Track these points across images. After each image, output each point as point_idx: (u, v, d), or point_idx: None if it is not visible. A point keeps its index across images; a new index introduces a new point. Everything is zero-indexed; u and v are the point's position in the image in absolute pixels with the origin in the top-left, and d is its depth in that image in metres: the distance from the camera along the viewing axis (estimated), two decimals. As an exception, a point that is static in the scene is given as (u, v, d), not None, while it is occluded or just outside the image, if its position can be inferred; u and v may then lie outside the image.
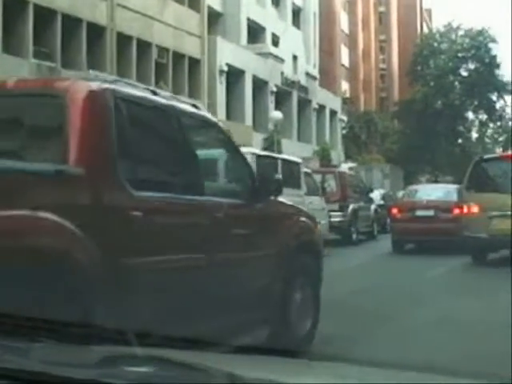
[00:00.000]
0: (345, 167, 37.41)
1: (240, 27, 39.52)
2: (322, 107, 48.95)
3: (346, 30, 63.94)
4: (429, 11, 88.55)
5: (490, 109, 62.43)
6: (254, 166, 10.97)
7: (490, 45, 60.86)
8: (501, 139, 70.12)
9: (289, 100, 43.59)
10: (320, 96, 48.42)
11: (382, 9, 75.23)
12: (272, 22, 43.54)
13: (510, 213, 13.07)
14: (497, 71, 61.09)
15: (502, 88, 61.35)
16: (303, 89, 45.12)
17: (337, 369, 2.36)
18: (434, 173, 57.17)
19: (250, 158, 10.35)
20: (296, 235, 6.55)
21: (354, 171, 33.18)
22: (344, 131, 55.41)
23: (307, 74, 46.33)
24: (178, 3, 32.24)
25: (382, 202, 26.09)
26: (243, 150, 7.38)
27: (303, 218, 6.89)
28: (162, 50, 30.80)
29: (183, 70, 32.28)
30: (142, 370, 1.96)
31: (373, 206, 23.82)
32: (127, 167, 4.54)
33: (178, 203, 5.02)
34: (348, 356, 5.35)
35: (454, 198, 18.05)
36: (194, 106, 5.89)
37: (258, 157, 14.63)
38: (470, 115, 64.71)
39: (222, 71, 35.05)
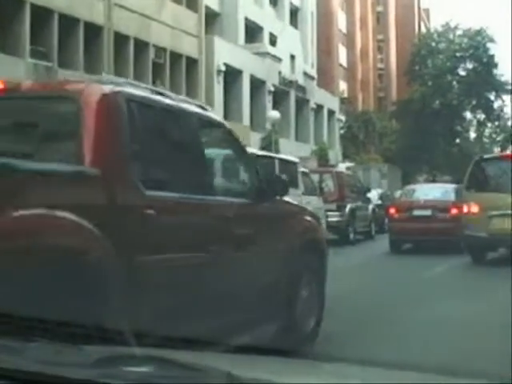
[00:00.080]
0: (343, 167, 37.40)
1: (237, 27, 39.51)
2: (319, 107, 48.93)
3: (344, 30, 63.89)
4: (427, 11, 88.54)
5: (487, 108, 62.42)
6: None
7: (488, 44, 60.84)
8: (499, 139, 70.17)
9: (286, 100, 43.56)
10: (318, 96, 48.39)
11: (379, 8, 75.15)
12: (270, 21, 43.53)
13: (509, 212, 13.15)
14: (495, 71, 61.10)
15: (499, 88, 61.37)
16: (301, 88, 45.09)
17: (337, 369, 2.37)
18: (432, 172, 57.14)
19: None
20: (302, 234, 6.73)
21: (352, 171, 33.17)
22: (342, 131, 55.40)
23: (305, 73, 46.32)
24: (176, 3, 32.22)
25: (379, 202, 26.05)
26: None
27: (308, 217, 7.06)
28: (160, 50, 30.77)
29: (180, 69, 32.25)
30: (140, 370, 1.96)
31: (370, 206, 23.79)
32: (139, 167, 4.67)
33: (188, 202, 5.14)
34: (348, 356, 5.36)
35: (452, 197, 18.07)
36: (202, 107, 6.01)
37: (255, 156, 14.58)
38: (468, 115, 64.78)
39: (219, 71, 35.02)
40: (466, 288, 11.14)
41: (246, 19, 40.44)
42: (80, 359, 2.03)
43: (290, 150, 30.59)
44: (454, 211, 17.17)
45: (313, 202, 17.18)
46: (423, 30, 78.90)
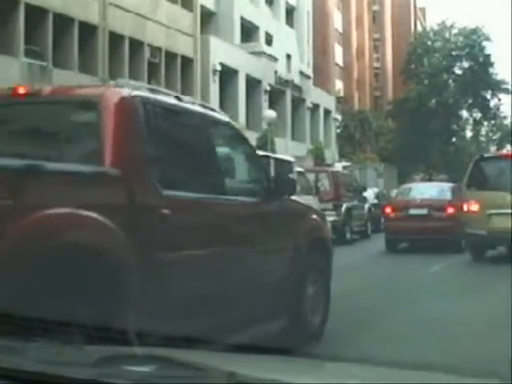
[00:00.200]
0: (339, 166, 37.38)
1: (233, 26, 39.46)
2: (315, 106, 48.93)
3: (340, 29, 63.93)
4: (423, 10, 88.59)
5: (484, 107, 62.50)
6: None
7: (484, 43, 60.98)
8: (495, 137, 70.28)
9: (282, 99, 43.54)
10: (314, 95, 48.39)
11: (375, 7, 75.20)
12: (265, 20, 43.49)
13: (509, 211, 13.25)
14: (491, 69, 61.21)
15: (495, 86, 61.45)
16: (297, 88, 45.07)
17: (337, 368, 2.39)
18: (428, 171, 57.18)
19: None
20: (309, 231, 6.93)
21: (348, 170, 33.12)
22: (338, 130, 55.42)
23: (301, 72, 46.30)
24: (171, 2, 32.16)
25: (375, 201, 25.98)
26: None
27: (315, 216, 7.30)
28: (155, 49, 30.70)
29: (176, 69, 32.19)
30: (142, 369, 1.96)
31: (367, 205, 23.74)
32: (157, 168, 4.85)
33: (202, 201, 5.33)
34: (348, 356, 5.37)
35: (448, 196, 18.07)
36: (213, 110, 6.25)
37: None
38: (464, 114, 64.86)
39: (215, 70, 34.98)
40: (464, 286, 11.11)
41: (242, 18, 40.39)
42: (81, 359, 2.04)
43: (286, 150, 30.55)
44: (450, 210, 17.18)
45: (308, 202, 17.10)
46: (419, 28, 78.92)
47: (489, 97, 62.49)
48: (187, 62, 33.02)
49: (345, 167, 36.56)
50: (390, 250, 17.73)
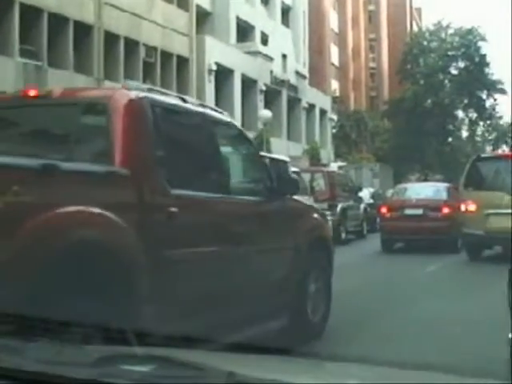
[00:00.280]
0: (334, 166, 37.39)
1: (229, 26, 39.41)
2: (311, 106, 48.91)
3: (336, 29, 63.93)
4: (419, 10, 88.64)
5: (479, 107, 62.57)
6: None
7: (480, 43, 61.00)
8: (491, 138, 70.32)
9: (278, 99, 43.50)
10: (310, 95, 48.37)
11: (371, 7, 75.21)
12: (261, 20, 43.45)
13: (506, 211, 13.29)
14: (486, 69, 61.25)
15: (491, 86, 61.51)
16: (293, 88, 45.04)
17: (336, 368, 2.40)
18: (424, 171, 57.22)
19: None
20: (311, 230, 7.16)
21: (344, 170, 33.11)
22: (334, 130, 55.40)
23: (297, 72, 46.27)
24: (166, 2, 32.11)
25: (371, 201, 25.98)
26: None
27: (317, 215, 7.54)
28: (150, 49, 30.65)
29: (171, 69, 32.14)
30: (142, 369, 1.96)
31: (362, 205, 23.72)
32: (164, 167, 4.98)
33: (209, 200, 5.52)
34: (347, 355, 5.39)
35: (444, 196, 18.08)
36: (217, 111, 6.39)
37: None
38: (460, 114, 64.92)
39: (210, 70, 34.94)
40: (460, 286, 11.13)
41: (238, 18, 40.36)
42: (81, 359, 2.05)
43: (281, 150, 30.54)
44: (446, 210, 17.18)
45: (304, 202, 17.09)
46: (415, 28, 78.99)
47: (484, 97, 62.58)
48: (183, 61, 32.98)
49: (340, 167, 36.57)
50: (386, 250, 17.72)
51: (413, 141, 56.36)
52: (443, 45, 62.08)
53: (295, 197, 7.29)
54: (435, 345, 6.31)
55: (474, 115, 64.42)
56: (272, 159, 16.60)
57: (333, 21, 62.26)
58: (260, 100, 40.19)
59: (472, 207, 14.40)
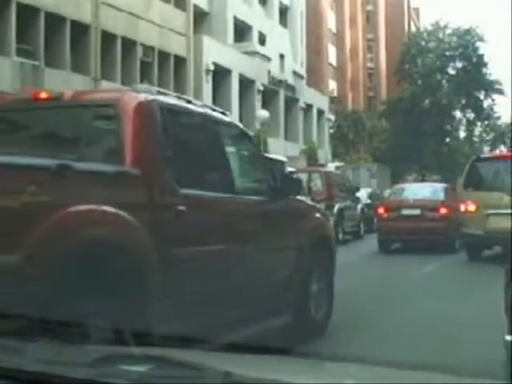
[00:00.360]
0: (332, 166, 37.35)
1: (226, 26, 39.42)
2: (309, 106, 48.91)
3: (334, 29, 63.94)
4: (416, 10, 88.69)
5: (477, 108, 62.54)
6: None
7: (478, 44, 60.99)
8: (488, 138, 70.35)
9: (276, 99, 43.52)
10: (307, 95, 48.37)
11: (369, 7, 75.25)
12: (259, 20, 43.45)
13: (506, 211, 13.30)
14: (484, 70, 61.23)
15: (489, 87, 61.51)
16: (290, 88, 45.05)
17: (334, 368, 2.41)
18: (421, 172, 57.25)
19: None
20: (314, 230, 7.32)
21: (341, 170, 33.09)
22: (331, 130, 55.39)
23: (294, 72, 46.27)
24: (164, 1, 32.10)
25: (368, 201, 25.92)
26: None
27: (319, 215, 7.69)
28: (148, 49, 30.61)
29: (169, 68, 32.11)
30: (139, 369, 1.97)
31: (359, 206, 23.68)
32: (173, 168, 5.12)
33: (215, 200, 5.67)
34: (346, 356, 5.39)
35: (441, 196, 18.07)
36: (223, 113, 6.49)
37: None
38: (458, 114, 64.84)
39: (208, 70, 34.92)
40: (458, 286, 11.12)
41: (235, 18, 40.35)
42: (80, 359, 2.07)
43: (279, 150, 30.51)
44: (443, 210, 17.16)
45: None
46: (413, 29, 79.00)
47: (482, 97, 62.54)
48: (180, 61, 32.95)
49: (338, 167, 36.53)
50: (383, 251, 17.69)
51: (410, 141, 56.35)
52: (441, 45, 62.07)
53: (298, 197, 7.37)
54: (433, 345, 6.32)
55: (471, 115, 64.39)
56: (269, 159, 16.57)
57: (330, 21, 62.27)
58: (257, 100, 40.20)
59: (472, 207, 14.43)
